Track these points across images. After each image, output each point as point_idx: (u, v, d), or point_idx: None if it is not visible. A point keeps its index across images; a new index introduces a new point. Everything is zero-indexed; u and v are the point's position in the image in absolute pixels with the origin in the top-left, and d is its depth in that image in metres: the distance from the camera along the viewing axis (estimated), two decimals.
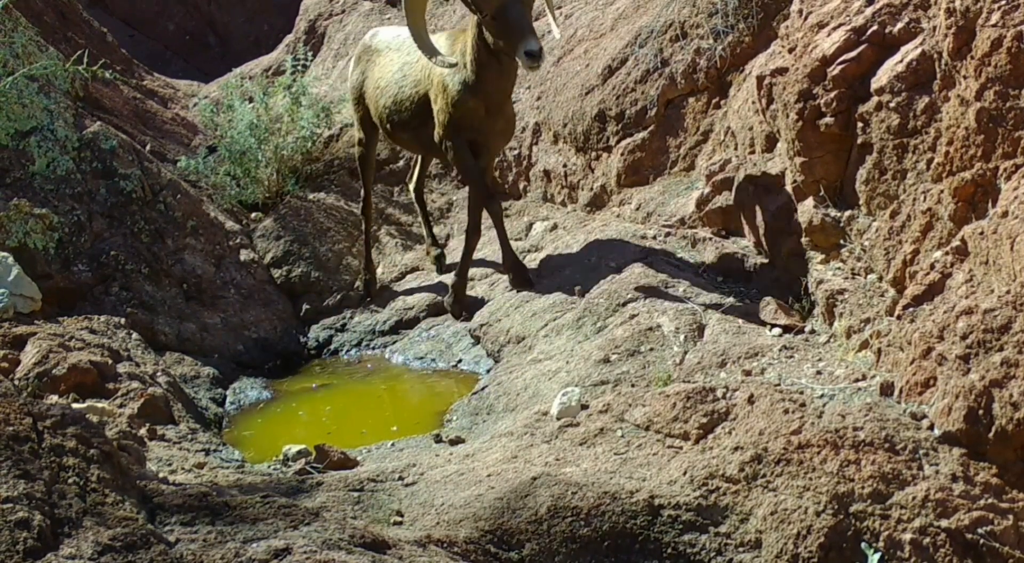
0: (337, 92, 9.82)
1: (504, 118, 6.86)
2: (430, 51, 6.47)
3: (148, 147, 8.58)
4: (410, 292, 7.71)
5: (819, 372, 4.96)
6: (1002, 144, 4.48)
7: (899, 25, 5.23)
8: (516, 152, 8.29)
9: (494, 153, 7.24)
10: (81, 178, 7.37)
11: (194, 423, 5.79)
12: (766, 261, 6.16)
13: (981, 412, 4.15)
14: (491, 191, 7.04)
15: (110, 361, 5.80)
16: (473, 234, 6.98)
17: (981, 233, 4.50)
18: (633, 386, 5.22)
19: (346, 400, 6.66)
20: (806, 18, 5.82)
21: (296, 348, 7.58)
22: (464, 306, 7.06)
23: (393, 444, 5.51)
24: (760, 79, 5.95)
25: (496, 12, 6.15)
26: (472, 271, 7.58)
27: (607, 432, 4.65)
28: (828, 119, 5.42)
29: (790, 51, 5.89)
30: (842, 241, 5.46)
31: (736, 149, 6.67)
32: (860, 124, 5.30)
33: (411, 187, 8.17)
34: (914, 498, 4.05)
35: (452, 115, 6.70)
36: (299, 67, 9.93)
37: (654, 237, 6.73)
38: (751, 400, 4.57)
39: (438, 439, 5.36)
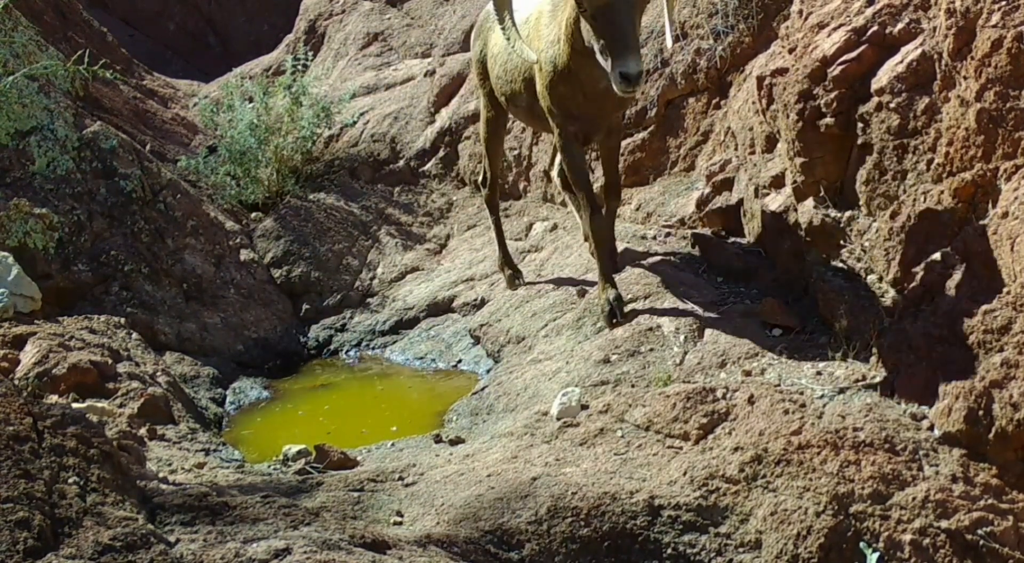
0: (337, 92, 9.82)
1: (612, 109, 5.81)
2: (509, 33, 5.38)
3: (148, 147, 8.58)
4: (410, 292, 7.71)
5: (819, 372, 4.96)
6: (1002, 145, 4.48)
7: (899, 25, 5.23)
8: (516, 152, 8.29)
9: (607, 151, 6.16)
10: (81, 178, 7.37)
11: (194, 423, 5.79)
12: (766, 261, 6.16)
13: (981, 413, 4.15)
14: (596, 204, 5.97)
15: (110, 361, 5.80)
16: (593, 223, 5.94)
17: (981, 233, 4.50)
18: (633, 386, 5.21)
19: (346, 400, 6.66)
20: (806, 18, 5.82)
21: (296, 348, 7.58)
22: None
23: (393, 444, 5.51)
24: (760, 79, 5.95)
25: (598, 11, 5.02)
26: (471, 270, 7.58)
27: (607, 432, 4.65)
28: (828, 119, 5.41)
29: (790, 51, 5.88)
30: (842, 241, 5.45)
31: (736, 149, 6.66)
32: (860, 124, 5.29)
33: (553, 174, 7.36)
34: (914, 499, 4.05)
35: (548, 98, 5.74)
36: (299, 67, 9.94)
37: (654, 237, 6.73)
38: (751, 400, 4.57)
39: (438, 439, 5.36)
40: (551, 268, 7.01)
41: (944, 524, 3.98)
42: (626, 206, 7.26)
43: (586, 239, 6.52)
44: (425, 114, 9.27)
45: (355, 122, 9.44)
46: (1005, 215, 4.32)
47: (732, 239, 6.49)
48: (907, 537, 3.95)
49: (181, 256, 7.55)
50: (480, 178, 7.26)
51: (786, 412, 4.44)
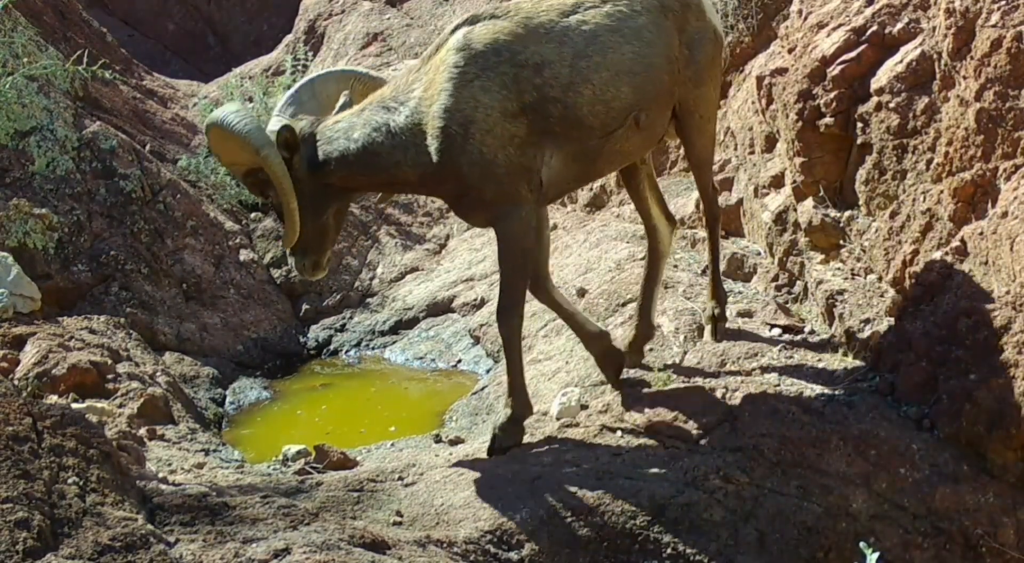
0: None
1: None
2: None
3: (148, 147, 8.57)
4: (410, 292, 7.70)
5: (819, 372, 4.96)
6: (1002, 144, 4.48)
7: (899, 25, 5.23)
8: None
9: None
10: (81, 178, 7.36)
11: (194, 423, 5.78)
12: (766, 261, 6.16)
13: (981, 413, 4.15)
14: (541, 282, 5.11)
15: (110, 361, 5.79)
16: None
17: (981, 233, 4.50)
18: (633, 386, 5.21)
19: (345, 400, 6.65)
20: (806, 18, 5.82)
21: (296, 348, 7.57)
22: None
23: (393, 444, 5.50)
24: (760, 79, 5.95)
25: None
26: (471, 270, 7.57)
27: (607, 432, 4.65)
28: (828, 119, 5.41)
29: (790, 51, 5.89)
30: (842, 241, 5.45)
31: (736, 149, 6.66)
32: (860, 124, 5.29)
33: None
34: (914, 498, 4.05)
35: None
36: (299, 67, 9.94)
37: None
38: (751, 400, 4.57)
39: (438, 439, 5.36)
40: (551, 268, 7.00)
41: (944, 524, 3.98)
42: (626, 206, 7.26)
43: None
44: None
45: None
46: (1005, 215, 4.32)
47: (732, 239, 6.50)
48: (907, 537, 3.95)
49: (181, 256, 7.54)
50: None
51: (786, 412, 4.44)
